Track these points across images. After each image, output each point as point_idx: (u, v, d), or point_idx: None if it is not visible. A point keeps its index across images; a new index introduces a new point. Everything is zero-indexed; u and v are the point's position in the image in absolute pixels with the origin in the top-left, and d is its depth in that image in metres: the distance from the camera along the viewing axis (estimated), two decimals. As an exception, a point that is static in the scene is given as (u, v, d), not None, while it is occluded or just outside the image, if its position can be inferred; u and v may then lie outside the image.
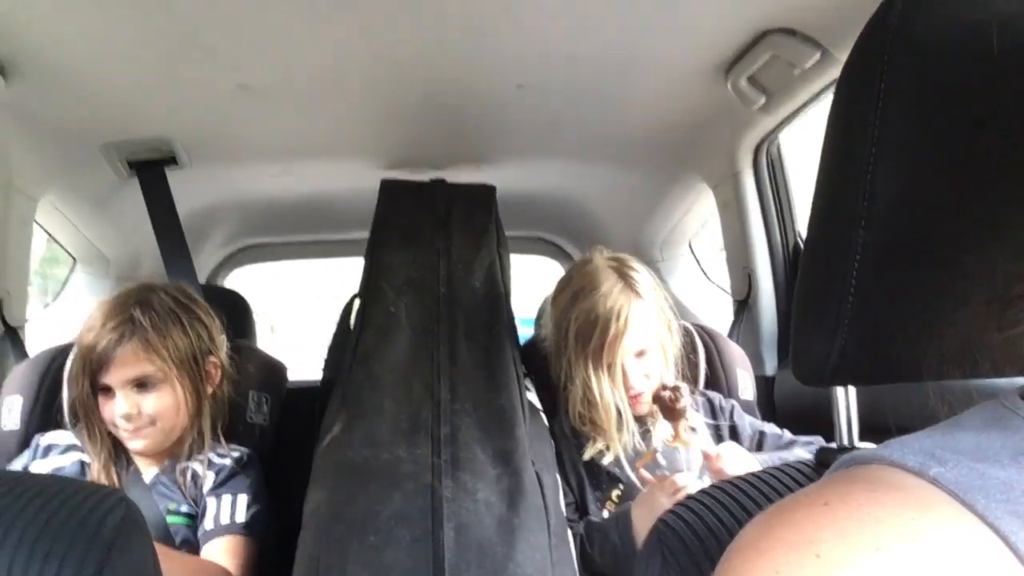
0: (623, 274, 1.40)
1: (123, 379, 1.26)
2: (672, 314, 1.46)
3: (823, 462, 0.64)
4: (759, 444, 1.42)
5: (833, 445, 0.64)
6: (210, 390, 1.38)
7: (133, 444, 1.29)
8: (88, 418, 1.29)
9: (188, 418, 1.33)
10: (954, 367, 0.46)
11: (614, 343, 1.36)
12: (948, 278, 0.45)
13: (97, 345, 1.25)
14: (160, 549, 1.14)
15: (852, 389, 0.63)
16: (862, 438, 0.65)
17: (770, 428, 1.45)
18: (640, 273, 1.42)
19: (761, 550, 0.35)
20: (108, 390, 1.27)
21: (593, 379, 1.37)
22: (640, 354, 1.39)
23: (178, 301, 1.35)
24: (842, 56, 1.21)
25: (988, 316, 0.43)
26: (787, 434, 1.42)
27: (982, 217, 0.44)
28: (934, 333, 0.45)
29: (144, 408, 1.27)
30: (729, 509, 0.57)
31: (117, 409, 1.26)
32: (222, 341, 1.43)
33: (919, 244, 0.46)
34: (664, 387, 1.27)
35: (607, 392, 1.37)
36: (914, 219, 0.46)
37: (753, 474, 0.62)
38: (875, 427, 0.64)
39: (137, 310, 1.28)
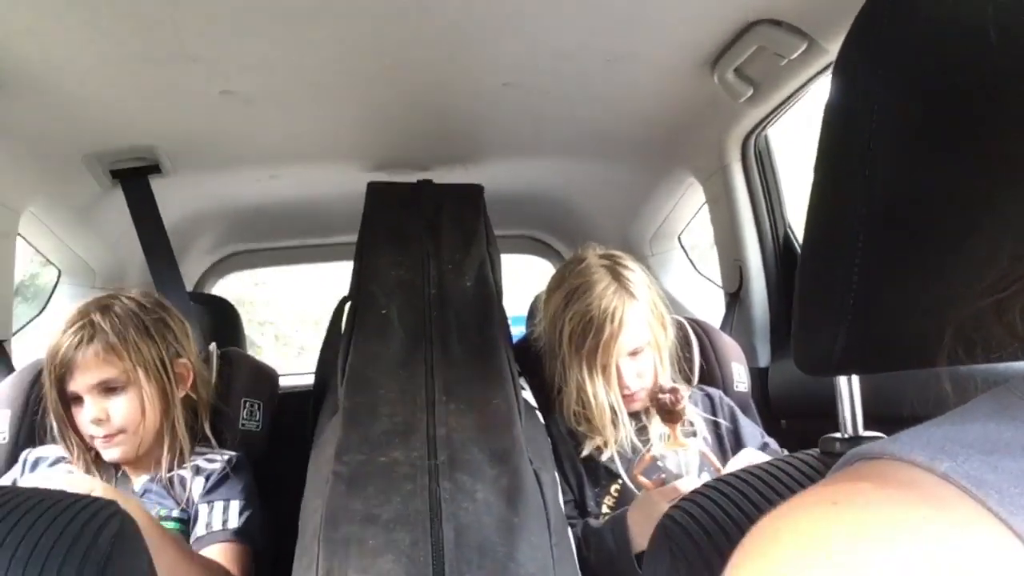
0: (616, 273, 1.40)
1: (88, 384, 1.26)
2: (665, 309, 1.46)
3: (829, 451, 0.63)
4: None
5: (837, 435, 0.64)
6: (182, 393, 1.36)
7: (108, 453, 1.28)
8: (63, 429, 1.29)
9: (159, 422, 1.32)
10: (957, 353, 0.45)
11: (608, 345, 1.35)
12: (950, 263, 0.45)
13: (59, 351, 1.25)
14: (176, 543, 1.15)
15: (855, 377, 0.63)
16: (866, 427, 0.65)
17: (773, 444, 1.45)
18: (633, 271, 1.42)
19: (770, 553, 0.34)
20: (78, 399, 1.27)
21: (588, 381, 1.37)
22: (634, 353, 1.39)
23: (141, 305, 1.34)
24: (828, 46, 1.21)
25: (986, 303, 0.43)
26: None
27: (982, 201, 0.44)
28: (937, 319, 0.45)
29: (112, 412, 1.27)
30: (736, 503, 0.57)
31: (86, 415, 1.26)
32: (192, 344, 1.42)
33: (921, 229, 0.46)
34: (662, 390, 1.27)
35: (601, 394, 1.36)
36: (916, 204, 0.46)
37: (758, 466, 0.62)
38: (879, 416, 0.64)
39: (97, 315, 1.28)
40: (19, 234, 1.66)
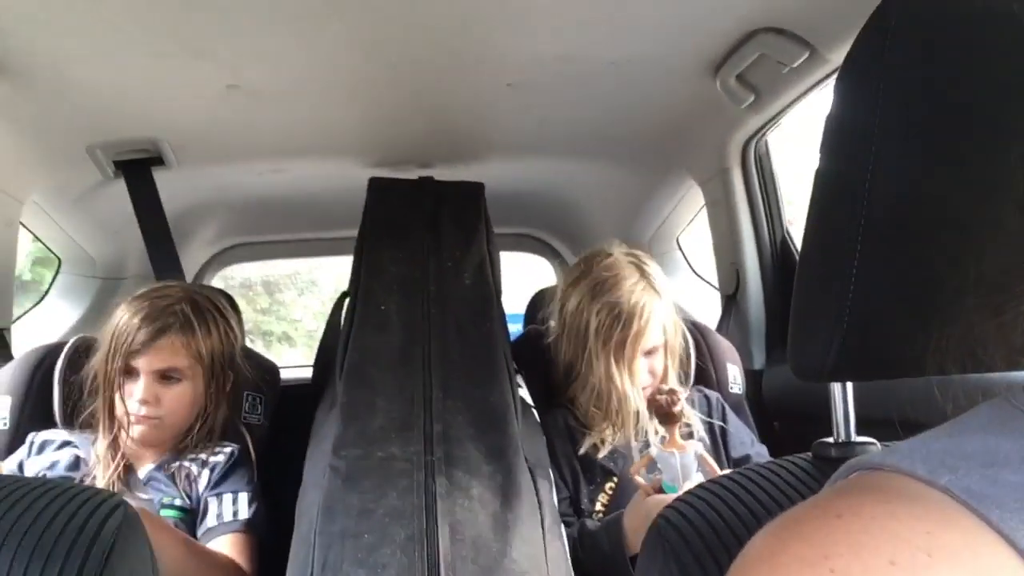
0: (643, 271, 1.42)
1: (153, 367, 1.30)
2: (675, 312, 1.47)
3: (821, 456, 0.64)
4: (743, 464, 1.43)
5: (830, 440, 0.65)
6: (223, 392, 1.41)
7: (136, 430, 1.31)
8: (108, 400, 1.31)
9: (193, 417, 1.37)
10: (951, 362, 0.46)
11: (636, 339, 1.37)
12: (944, 273, 0.45)
13: (137, 330, 1.29)
14: (182, 538, 1.17)
15: (849, 383, 0.64)
16: (858, 431, 0.66)
17: (763, 451, 1.46)
18: (657, 272, 1.44)
19: (774, 565, 0.35)
20: (131, 374, 1.31)
21: (616, 374, 1.38)
22: (650, 352, 1.41)
23: (215, 305, 1.41)
24: (830, 55, 1.22)
25: (983, 311, 0.43)
26: None
27: (985, 217, 0.44)
28: (931, 328, 0.46)
29: (163, 398, 1.31)
30: (730, 505, 0.58)
31: (137, 391, 1.29)
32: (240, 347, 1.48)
33: (918, 239, 0.47)
34: (660, 391, 1.27)
35: (628, 386, 1.38)
36: (918, 216, 0.46)
37: (752, 469, 0.63)
38: (870, 420, 0.65)
39: (187, 306, 1.34)
40: (21, 223, 1.67)
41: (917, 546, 0.32)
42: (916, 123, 0.46)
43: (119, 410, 1.31)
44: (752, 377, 1.74)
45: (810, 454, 0.65)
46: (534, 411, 1.39)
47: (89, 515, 0.61)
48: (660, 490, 1.23)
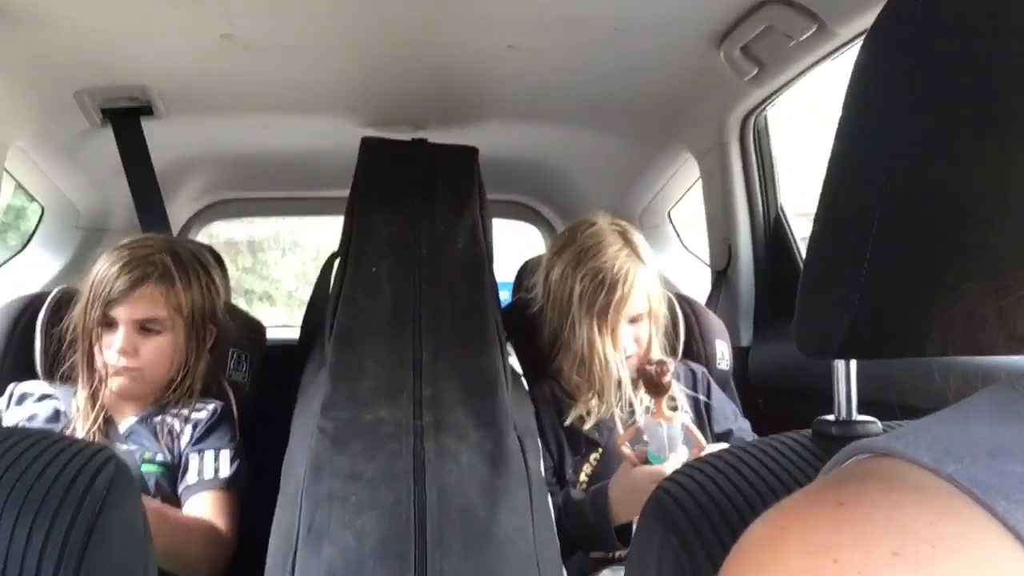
0: (627, 239, 1.42)
1: (132, 317, 1.28)
2: (661, 284, 1.47)
3: (820, 433, 0.64)
4: (726, 438, 1.44)
5: (831, 417, 0.64)
6: (205, 347, 1.40)
7: (115, 382, 1.29)
8: (87, 351, 1.30)
9: (174, 371, 1.35)
10: (951, 345, 0.46)
11: (619, 305, 1.37)
12: (948, 256, 0.45)
13: (115, 280, 1.27)
14: (154, 508, 1.15)
15: (853, 361, 0.64)
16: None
17: (745, 426, 1.47)
18: (642, 241, 1.44)
19: (775, 553, 0.34)
20: (111, 325, 1.29)
21: (598, 340, 1.38)
22: (634, 320, 1.41)
23: (197, 258, 1.39)
24: (838, 29, 1.20)
25: (986, 294, 0.43)
26: None
27: (997, 202, 0.44)
28: (936, 309, 0.45)
29: (141, 350, 1.29)
30: (731, 480, 0.58)
31: (115, 342, 1.28)
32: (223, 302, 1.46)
33: (929, 222, 0.46)
34: (650, 361, 1.28)
35: (610, 352, 1.38)
36: (926, 198, 0.46)
37: (752, 444, 0.63)
38: (871, 402, 0.65)
39: (167, 257, 1.32)
40: (4, 169, 1.63)
41: (921, 537, 0.32)
42: (936, 108, 0.46)
43: (98, 361, 1.29)
44: (739, 354, 1.75)
45: (809, 431, 0.65)
46: (523, 380, 1.39)
47: (80, 468, 0.60)
48: (646, 461, 1.24)
